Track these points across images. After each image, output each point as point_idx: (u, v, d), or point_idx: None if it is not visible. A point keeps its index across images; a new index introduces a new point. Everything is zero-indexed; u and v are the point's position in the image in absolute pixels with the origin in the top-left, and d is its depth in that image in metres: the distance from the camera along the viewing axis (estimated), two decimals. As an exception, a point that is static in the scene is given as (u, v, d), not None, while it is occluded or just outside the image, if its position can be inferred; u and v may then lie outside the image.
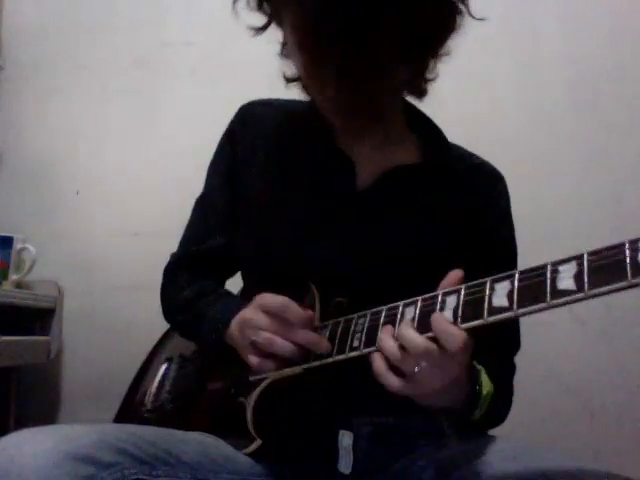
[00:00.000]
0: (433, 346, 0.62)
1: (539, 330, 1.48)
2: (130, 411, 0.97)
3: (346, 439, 0.79)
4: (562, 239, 1.47)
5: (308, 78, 0.81)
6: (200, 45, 1.71)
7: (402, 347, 0.63)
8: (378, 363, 0.65)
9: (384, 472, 0.80)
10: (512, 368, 0.90)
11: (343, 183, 0.87)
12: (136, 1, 1.76)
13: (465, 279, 0.66)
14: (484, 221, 0.89)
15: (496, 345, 0.75)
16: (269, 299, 0.76)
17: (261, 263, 0.89)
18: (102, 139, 1.72)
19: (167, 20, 1.75)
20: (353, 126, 0.84)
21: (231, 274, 1.00)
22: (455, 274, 0.66)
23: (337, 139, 0.89)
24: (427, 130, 0.92)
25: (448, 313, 0.63)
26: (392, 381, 0.64)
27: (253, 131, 0.94)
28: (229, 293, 0.92)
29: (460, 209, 0.88)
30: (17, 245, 1.52)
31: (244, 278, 0.97)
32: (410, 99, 0.92)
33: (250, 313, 0.77)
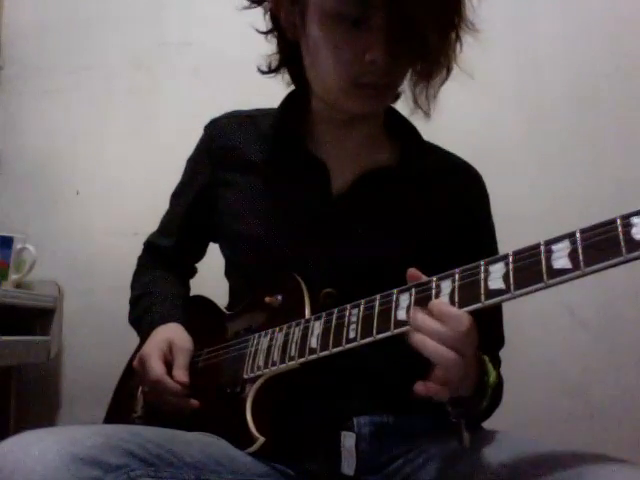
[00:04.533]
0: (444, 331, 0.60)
1: (539, 330, 1.48)
2: (118, 418, 0.96)
3: (348, 440, 0.78)
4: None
5: (337, 52, 0.78)
6: (199, 45, 1.70)
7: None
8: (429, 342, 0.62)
9: (384, 472, 0.80)
10: (498, 363, 0.90)
11: (318, 189, 0.88)
12: (135, 1, 1.76)
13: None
14: (466, 220, 0.90)
15: (481, 341, 0.75)
16: (153, 367, 0.84)
17: (244, 267, 0.91)
18: (102, 139, 1.72)
19: (166, 20, 1.75)
20: (369, 112, 0.84)
21: (187, 273, 1.09)
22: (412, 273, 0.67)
23: (309, 144, 0.90)
24: (403, 130, 0.92)
25: (444, 298, 0.63)
26: (450, 356, 0.61)
27: (224, 144, 0.95)
28: (164, 299, 0.97)
29: (439, 209, 0.89)
30: (17, 245, 1.52)
31: (229, 278, 0.98)
32: None
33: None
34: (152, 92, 1.72)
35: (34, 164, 1.73)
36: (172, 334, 0.88)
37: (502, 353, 0.91)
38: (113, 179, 1.70)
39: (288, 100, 0.92)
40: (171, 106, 1.70)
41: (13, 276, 1.51)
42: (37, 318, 1.54)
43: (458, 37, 0.80)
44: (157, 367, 0.83)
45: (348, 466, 0.78)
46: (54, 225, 1.69)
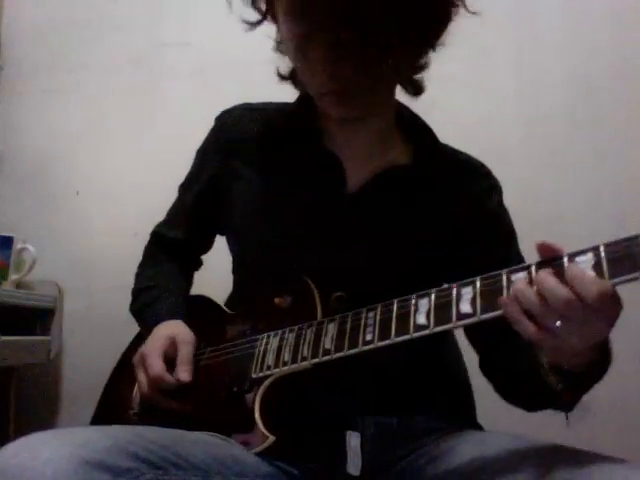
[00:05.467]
0: (575, 298, 0.55)
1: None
2: (112, 415, 0.95)
3: (353, 440, 0.78)
4: (561, 240, 1.47)
5: (299, 65, 0.80)
6: (198, 45, 1.71)
7: (540, 295, 0.57)
8: (511, 307, 0.59)
9: (389, 472, 0.80)
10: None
11: (333, 185, 0.87)
12: (135, 1, 1.76)
13: (465, 276, 0.66)
14: (481, 217, 0.89)
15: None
16: (153, 364, 0.83)
17: (251, 264, 0.91)
18: (102, 139, 1.72)
19: (165, 20, 1.75)
20: (347, 117, 0.83)
21: (194, 266, 1.08)
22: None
23: (325, 140, 0.89)
24: (417, 129, 0.92)
25: (465, 305, 0.63)
26: (527, 327, 0.58)
27: (237, 136, 0.94)
28: (169, 294, 0.96)
29: (453, 208, 0.88)
30: (17, 245, 1.52)
31: (235, 274, 0.97)
32: (406, 100, 0.92)
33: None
34: (152, 92, 1.72)
35: (34, 164, 1.73)
36: (175, 330, 0.88)
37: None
38: (113, 179, 1.70)
39: (303, 96, 0.92)
40: (171, 106, 1.70)
41: (13, 276, 1.51)
42: (37, 318, 1.54)
43: (408, 42, 0.78)
44: (156, 364, 0.82)
45: (354, 466, 0.77)
46: (54, 225, 1.70)
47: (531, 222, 1.45)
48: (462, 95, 1.57)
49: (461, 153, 0.95)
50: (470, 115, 1.56)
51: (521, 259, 0.89)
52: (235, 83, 1.58)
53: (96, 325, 1.61)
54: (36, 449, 0.58)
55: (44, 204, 1.71)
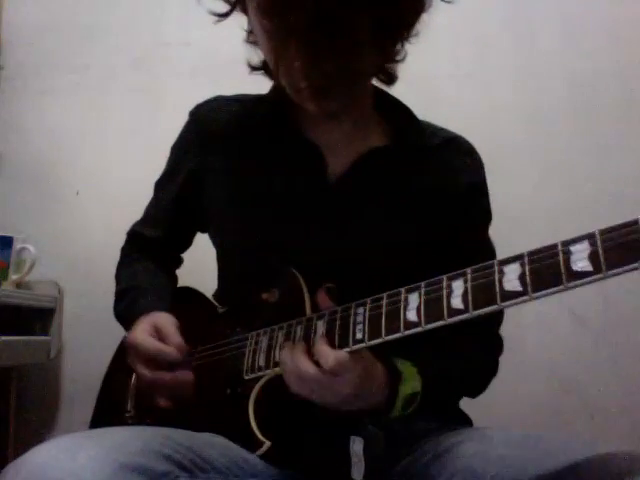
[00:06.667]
0: (318, 373, 0.67)
1: (539, 330, 1.48)
2: (110, 419, 0.93)
3: (357, 445, 0.77)
4: (562, 236, 1.47)
5: (275, 61, 0.77)
6: (199, 45, 1.71)
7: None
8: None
9: (390, 473, 0.79)
10: (498, 341, 0.90)
11: (314, 174, 0.86)
12: (135, 1, 1.76)
13: (450, 257, 0.66)
14: (460, 194, 0.88)
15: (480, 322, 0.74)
16: (143, 343, 0.81)
17: (236, 258, 0.89)
18: (102, 139, 1.72)
19: (166, 20, 1.75)
20: (326, 112, 0.82)
21: (174, 264, 1.06)
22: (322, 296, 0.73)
23: (303, 129, 0.88)
24: (396, 111, 0.91)
25: (456, 300, 0.60)
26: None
27: (213, 128, 0.93)
28: (151, 291, 0.94)
29: (435, 187, 0.87)
30: (17, 245, 1.52)
31: (220, 270, 0.96)
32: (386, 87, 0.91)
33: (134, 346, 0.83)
34: (152, 92, 1.72)
35: (34, 164, 1.73)
36: (155, 318, 0.85)
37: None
38: (113, 179, 1.70)
39: (278, 86, 0.88)
40: (171, 106, 1.70)
41: (13, 276, 1.51)
42: (37, 318, 1.53)
43: (384, 36, 0.77)
44: (150, 341, 0.81)
45: (357, 471, 0.76)
46: (54, 225, 1.69)
47: (532, 219, 1.46)
48: (463, 92, 1.57)
49: (444, 130, 0.94)
50: (471, 112, 1.56)
51: (490, 244, 0.91)
52: (235, 83, 1.57)
53: (96, 325, 1.60)
54: (73, 452, 0.57)
55: (44, 204, 1.71)
